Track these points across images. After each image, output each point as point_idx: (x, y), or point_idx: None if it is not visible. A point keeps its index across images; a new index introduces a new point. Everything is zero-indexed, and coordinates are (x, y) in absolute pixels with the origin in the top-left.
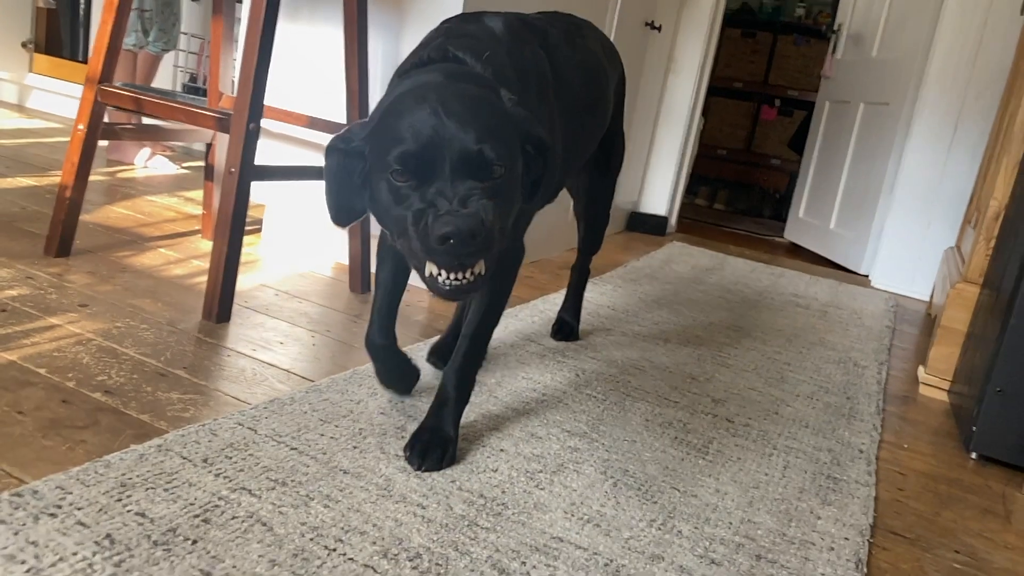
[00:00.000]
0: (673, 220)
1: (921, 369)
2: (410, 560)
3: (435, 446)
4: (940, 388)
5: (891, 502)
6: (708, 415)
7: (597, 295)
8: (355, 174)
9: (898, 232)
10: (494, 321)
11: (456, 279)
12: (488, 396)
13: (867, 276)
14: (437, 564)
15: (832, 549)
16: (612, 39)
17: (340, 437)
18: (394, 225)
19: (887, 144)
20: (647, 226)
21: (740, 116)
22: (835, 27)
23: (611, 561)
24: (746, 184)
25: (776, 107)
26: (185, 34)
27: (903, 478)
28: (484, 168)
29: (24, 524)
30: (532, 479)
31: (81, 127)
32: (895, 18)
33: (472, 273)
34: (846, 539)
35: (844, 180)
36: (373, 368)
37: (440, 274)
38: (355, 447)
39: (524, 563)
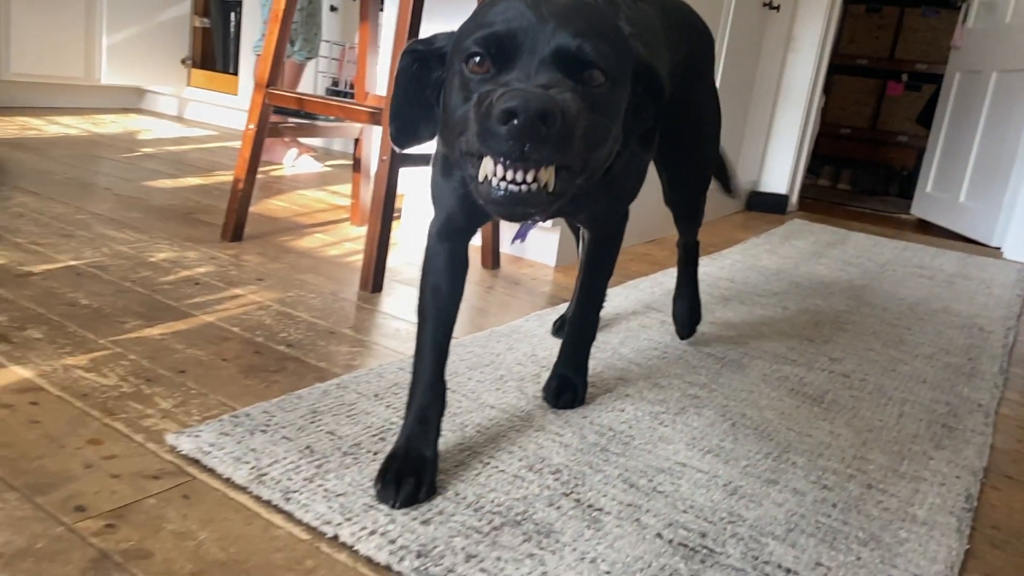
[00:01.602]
0: (794, 199)
1: None
2: (552, 473)
3: (567, 388)
4: None
5: (1008, 451)
6: (824, 371)
7: (715, 269)
8: (429, 84)
9: None
10: (603, 290)
11: (514, 182)
12: (612, 353)
13: (999, 248)
14: (575, 478)
15: (943, 484)
16: (729, 21)
17: (485, 380)
18: (457, 124)
19: (1021, 112)
20: (767, 205)
21: (864, 93)
22: None
23: (729, 482)
24: (872, 163)
25: (903, 82)
26: (327, 42)
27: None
28: (580, 69)
29: (243, 437)
30: (656, 418)
31: (252, 126)
32: None
33: (535, 179)
34: (957, 477)
35: (975, 152)
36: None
37: (495, 173)
38: (498, 389)
39: (651, 480)
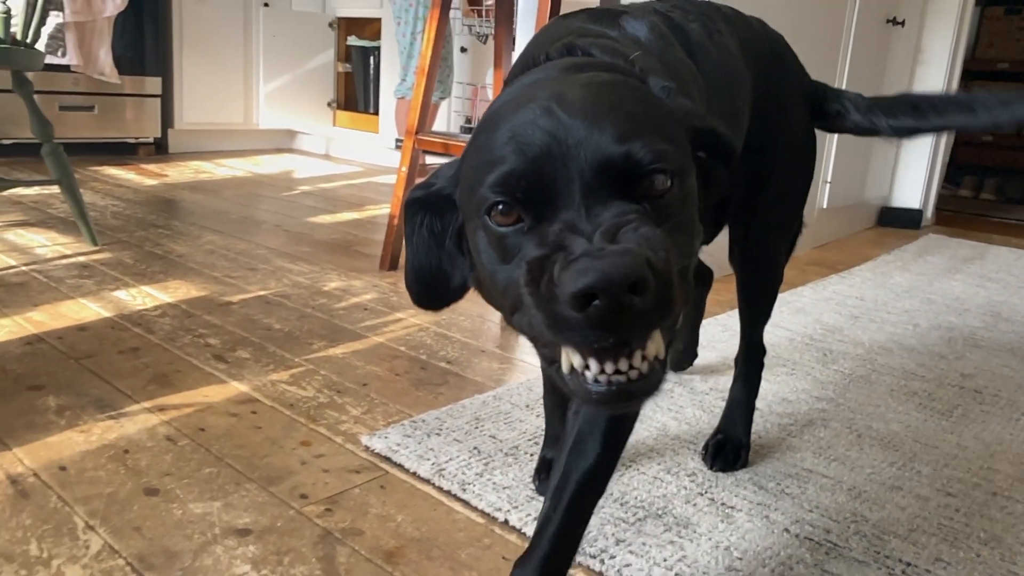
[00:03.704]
0: (929, 213)
1: None
2: (687, 476)
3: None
4: None
5: None
6: (955, 387)
7: (845, 287)
8: (447, 233)
9: None
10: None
11: (616, 374)
12: None
13: None
14: (708, 480)
15: None
16: (851, 39)
17: None
18: (503, 294)
19: None
20: (900, 220)
21: None
22: None
23: (854, 487)
24: (1018, 170)
25: None
26: (459, 83)
27: None
28: (638, 180)
29: (422, 439)
30: (784, 429)
31: (404, 168)
32: None
33: (643, 358)
34: None
35: None
36: None
37: (587, 367)
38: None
39: (779, 484)
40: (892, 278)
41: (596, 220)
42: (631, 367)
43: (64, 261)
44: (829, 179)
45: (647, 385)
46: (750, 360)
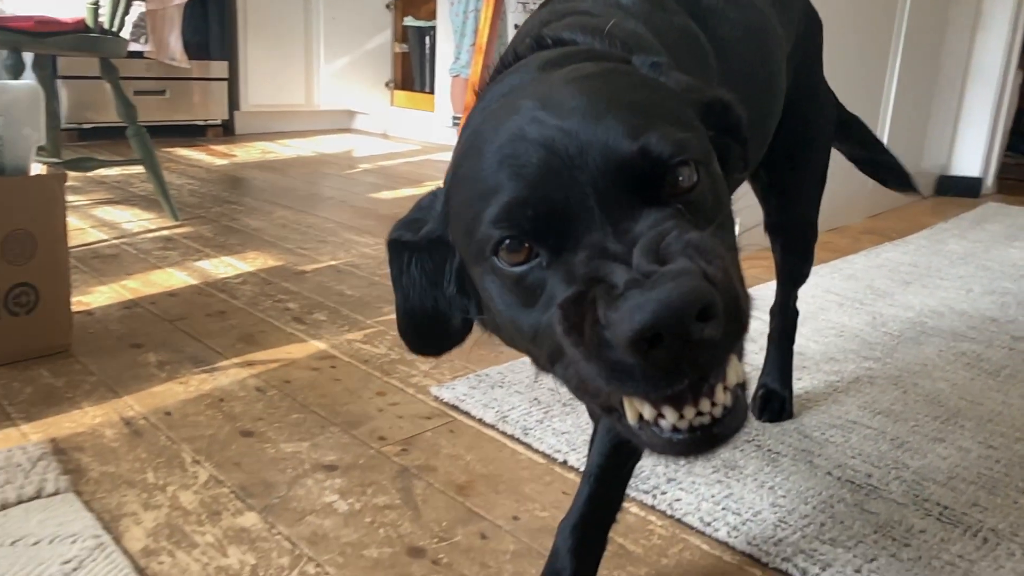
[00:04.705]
0: (989, 181)
1: None
2: None
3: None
4: None
5: None
6: (1004, 348)
7: (898, 254)
8: (443, 276)
9: None
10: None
11: (697, 415)
12: None
13: None
14: (755, 428)
15: None
16: (907, 3)
17: None
18: (533, 345)
19: None
20: (958, 188)
21: None
22: None
23: (896, 437)
24: None
25: None
26: None
27: None
28: (661, 179)
29: (487, 390)
30: (830, 386)
31: None
32: None
33: (726, 389)
34: None
35: None
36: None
37: (662, 416)
38: None
39: (823, 433)
40: (947, 245)
41: (628, 238)
42: (713, 404)
43: (150, 235)
44: None
45: (734, 421)
46: (789, 315)
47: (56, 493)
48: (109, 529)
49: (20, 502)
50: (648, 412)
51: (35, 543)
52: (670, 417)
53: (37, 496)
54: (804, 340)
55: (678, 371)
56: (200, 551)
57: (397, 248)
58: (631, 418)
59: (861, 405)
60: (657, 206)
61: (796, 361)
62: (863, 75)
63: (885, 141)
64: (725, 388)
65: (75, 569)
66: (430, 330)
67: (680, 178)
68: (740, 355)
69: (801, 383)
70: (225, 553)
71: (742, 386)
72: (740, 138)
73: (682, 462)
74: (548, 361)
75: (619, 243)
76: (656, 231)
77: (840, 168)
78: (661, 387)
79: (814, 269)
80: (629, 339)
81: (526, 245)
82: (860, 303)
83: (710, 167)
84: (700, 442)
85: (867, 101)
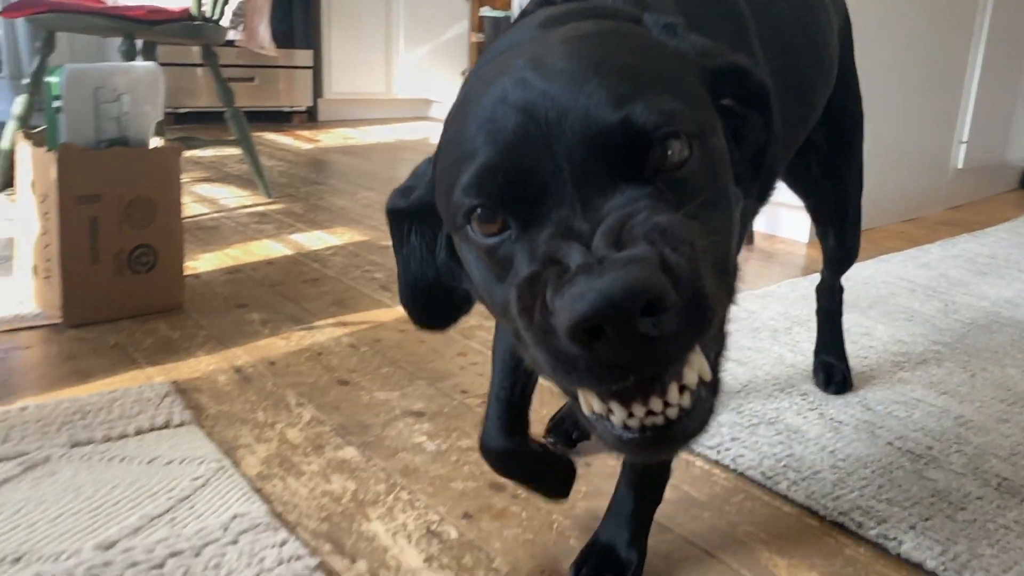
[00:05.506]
0: None
1: None
2: (800, 395)
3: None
4: None
5: None
6: None
7: (976, 245)
8: (438, 244)
9: None
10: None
11: (649, 415)
12: (860, 315)
13: None
14: (820, 400)
15: None
16: None
17: (742, 330)
18: (506, 320)
19: None
20: None
21: None
22: None
23: (960, 416)
24: None
25: None
26: None
27: None
28: (645, 153)
29: None
30: (897, 365)
31: None
32: None
33: (682, 389)
34: None
35: None
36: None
37: (610, 411)
38: (753, 336)
39: (887, 408)
40: None
41: (596, 216)
42: (667, 404)
43: (246, 210)
44: (965, 139)
45: (692, 422)
46: (836, 295)
47: (181, 424)
48: (229, 456)
49: (152, 429)
50: (597, 406)
51: (168, 463)
52: (619, 414)
53: (166, 426)
54: (871, 322)
55: (623, 367)
56: (307, 478)
57: (396, 217)
58: (584, 408)
59: (926, 384)
60: (636, 183)
61: (863, 341)
62: (941, 59)
63: (966, 132)
64: (683, 388)
65: (203, 485)
66: (433, 301)
67: (668, 152)
68: (715, 351)
69: (867, 361)
70: (329, 480)
71: (708, 384)
72: (764, 109)
73: (641, 459)
74: (515, 337)
75: (586, 221)
76: (624, 212)
77: (915, 158)
78: (605, 381)
79: (885, 257)
80: (567, 329)
81: (498, 216)
82: (933, 290)
83: (707, 141)
84: (650, 443)
85: (946, 89)
